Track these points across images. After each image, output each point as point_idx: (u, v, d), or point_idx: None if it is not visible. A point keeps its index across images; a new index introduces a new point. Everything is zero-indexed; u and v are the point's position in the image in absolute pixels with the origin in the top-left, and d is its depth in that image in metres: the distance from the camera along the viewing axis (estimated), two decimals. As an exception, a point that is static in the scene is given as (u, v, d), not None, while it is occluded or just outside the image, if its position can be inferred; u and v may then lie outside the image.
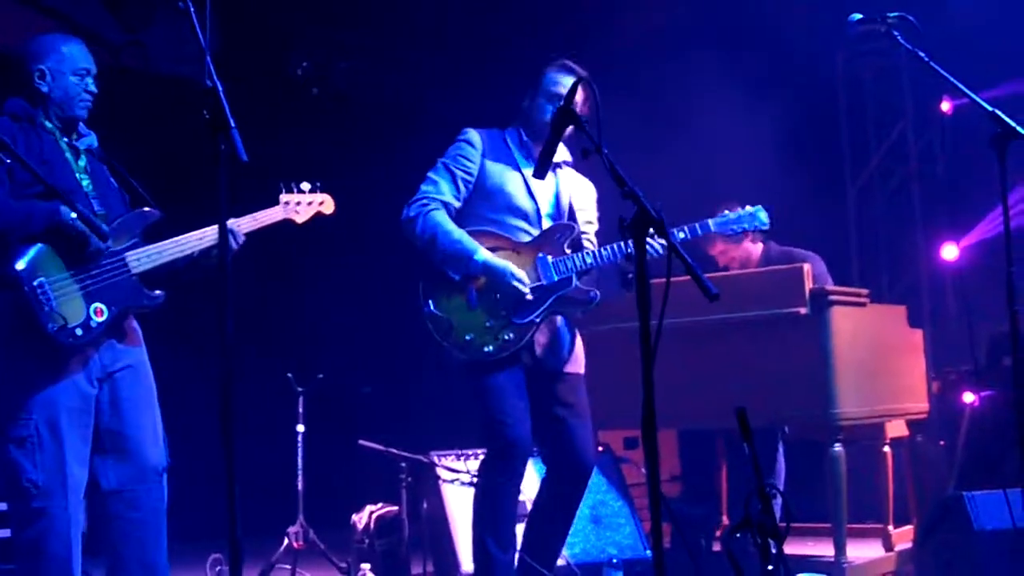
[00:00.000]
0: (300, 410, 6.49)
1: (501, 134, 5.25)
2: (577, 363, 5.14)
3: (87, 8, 8.67)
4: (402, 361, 9.04)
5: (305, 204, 5.05)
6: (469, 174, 5.12)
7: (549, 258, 5.02)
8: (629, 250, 4.79)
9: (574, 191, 5.23)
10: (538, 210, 5.14)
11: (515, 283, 4.93)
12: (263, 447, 5.91)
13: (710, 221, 5.09)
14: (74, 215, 4.33)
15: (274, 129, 8.23)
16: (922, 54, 4.47)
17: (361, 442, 6.16)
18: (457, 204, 5.11)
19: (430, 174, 5.14)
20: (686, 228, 5.03)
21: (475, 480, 5.38)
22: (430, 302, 5.00)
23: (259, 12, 8.98)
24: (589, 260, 4.97)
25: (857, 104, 9.47)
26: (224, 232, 3.59)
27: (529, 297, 4.95)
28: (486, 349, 4.94)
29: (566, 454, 5.04)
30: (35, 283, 4.24)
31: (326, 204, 5.14)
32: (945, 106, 8.51)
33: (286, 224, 5.01)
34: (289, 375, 6.54)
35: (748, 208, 5.18)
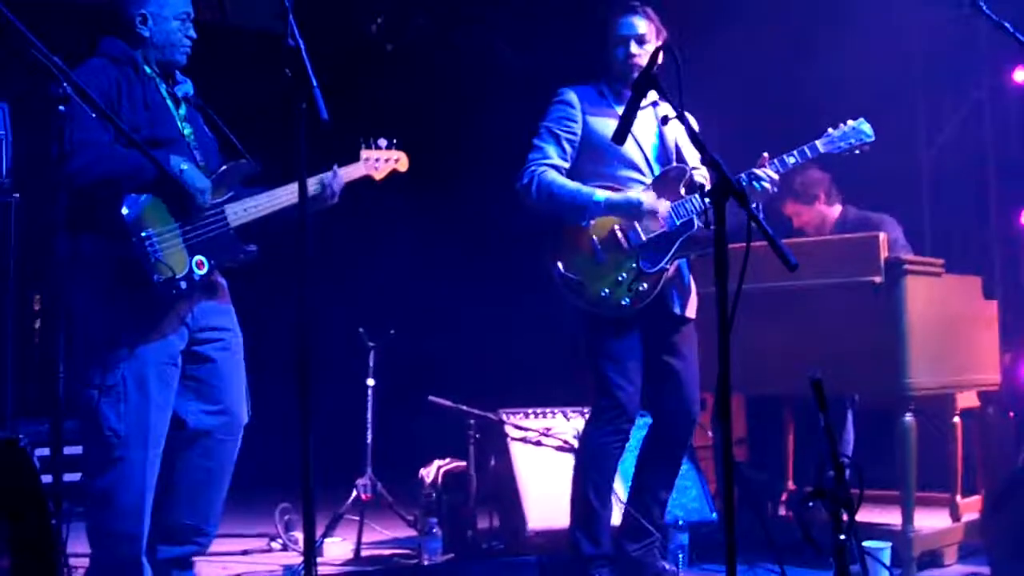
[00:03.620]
0: (371, 364, 6.55)
1: (596, 87, 5.24)
2: (693, 307, 5.18)
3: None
4: (473, 318, 9.07)
5: (383, 161, 5.12)
6: (573, 134, 5.14)
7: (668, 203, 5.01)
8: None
9: (678, 129, 5.07)
10: (646, 157, 5.14)
11: (646, 209, 4.96)
12: (333, 400, 5.96)
13: (818, 142, 5.09)
14: (184, 167, 4.34)
15: (350, 86, 8.24)
16: (1007, 24, 4.43)
17: (431, 398, 6.20)
18: (566, 165, 5.13)
19: (535, 141, 5.16)
20: (795, 153, 5.04)
21: (577, 436, 5.54)
22: (559, 264, 4.98)
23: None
24: (708, 201, 4.82)
25: (932, 71, 9.32)
26: (304, 189, 3.65)
27: (664, 228, 4.97)
28: (623, 302, 4.95)
29: (677, 404, 5.11)
30: (143, 234, 4.24)
31: (401, 161, 5.21)
32: (1020, 75, 8.39)
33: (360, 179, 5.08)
34: (361, 330, 6.59)
35: (851, 123, 5.15)
